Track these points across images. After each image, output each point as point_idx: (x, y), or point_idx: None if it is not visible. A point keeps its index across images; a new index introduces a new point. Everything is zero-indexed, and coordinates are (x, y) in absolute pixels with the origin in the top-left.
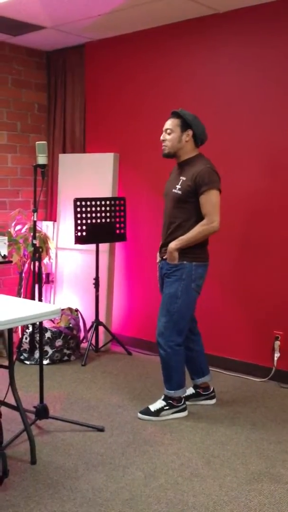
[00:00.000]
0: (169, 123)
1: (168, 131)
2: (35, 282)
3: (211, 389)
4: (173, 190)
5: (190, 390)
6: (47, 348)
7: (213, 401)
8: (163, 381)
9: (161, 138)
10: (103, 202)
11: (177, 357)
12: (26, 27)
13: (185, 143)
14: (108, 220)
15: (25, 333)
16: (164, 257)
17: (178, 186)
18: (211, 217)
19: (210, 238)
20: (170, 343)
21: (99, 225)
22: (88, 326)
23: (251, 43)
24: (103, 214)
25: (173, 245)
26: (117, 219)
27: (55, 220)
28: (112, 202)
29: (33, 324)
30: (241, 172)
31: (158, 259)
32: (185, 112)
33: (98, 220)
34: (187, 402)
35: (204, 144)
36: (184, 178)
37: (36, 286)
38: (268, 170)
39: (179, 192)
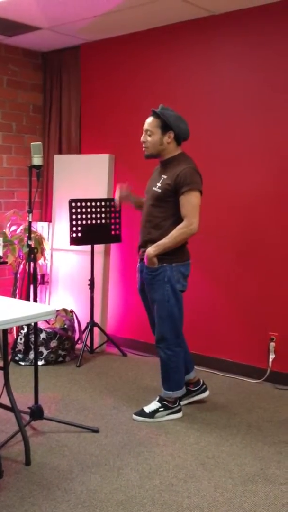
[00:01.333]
0: (149, 124)
1: (149, 132)
2: (30, 283)
3: (201, 382)
4: (153, 188)
5: None
6: (42, 349)
7: (206, 393)
8: (161, 383)
9: (142, 139)
10: (98, 203)
11: (176, 358)
12: (22, 27)
13: (167, 144)
14: (103, 221)
15: (20, 334)
16: (142, 259)
17: (159, 184)
18: (189, 219)
19: (207, 239)
20: (170, 346)
21: (94, 226)
22: (83, 327)
23: (247, 44)
24: (98, 215)
25: (151, 251)
26: (112, 220)
27: (50, 221)
28: (108, 203)
29: (28, 325)
30: (240, 173)
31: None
32: (166, 112)
33: (93, 221)
34: (181, 402)
35: (187, 141)
36: (165, 177)
37: (31, 287)
38: (268, 172)
39: (159, 190)
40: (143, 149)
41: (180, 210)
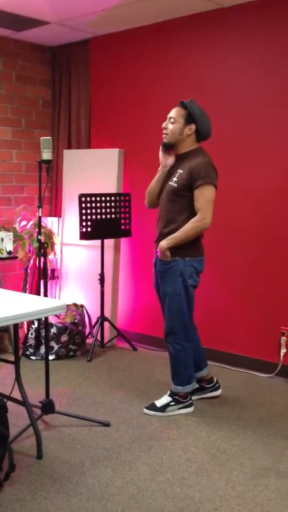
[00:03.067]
0: (174, 112)
1: (172, 120)
2: (40, 277)
3: (215, 381)
4: (170, 183)
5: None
6: (52, 343)
7: (218, 392)
8: (170, 377)
9: (163, 125)
10: (108, 198)
11: (185, 353)
12: (30, 22)
13: (186, 136)
14: (113, 216)
15: (30, 328)
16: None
17: (175, 179)
18: (203, 213)
19: (219, 235)
20: (179, 340)
21: (104, 221)
22: (93, 322)
23: (257, 37)
24: (108, 210)
25: (164, 243)
26: (122, 215)
27: (60, 216)
28: (117, 198)
29: (39, 320)
30: (252, 169)
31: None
32: (193, 104)
33: (103, 216)
34: (192, 397)
35: (206, 140)
36: (181, 171)
37: (42, 282)
38: (280, 168)
39: (175, 185)
40: (163, 135)
41: (195, 204)
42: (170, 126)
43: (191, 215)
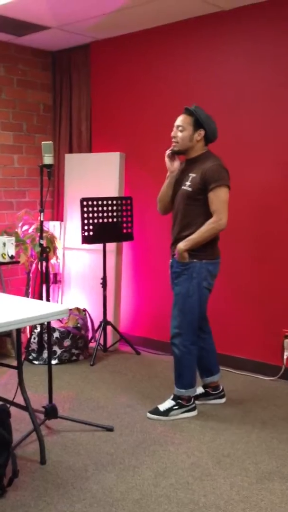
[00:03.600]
0: (181, 120)
1: (180, 128)
2: (42, 282)
3: (221, 388)
4: (183, 187)
5: (199, 390)
6: (55, 348)
7: (222, 400)
8: (174, 380)
9: (172, 134)
10: (109, 202)
11: (190, 356)
12: (31, 27)
13: (196, 142)
14: (115, 219)
15: (33, 333)
16: (174, 255)
17: (188, 183)
18: (218, 215)
19: (221, 235)
20: (185, 343)
21: (106, 225)
22: (96, 326)
23: (257, 40)
24: (110, 214)
25: (182, 245)
26: (124, 219)
27: (62, 220)
28: (119, 202)
29: (41, 324)
30: (253, 168)
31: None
32: (199, 110)
33: (105, 220)
34: (196, 402)
35: (214, 142)
36: (193, 175)
37: (44, 286)
38: (281, 166)
39: (189, 189)
40: (173, 144)
41: (209, 206)
42: (180, 135)
43: (207, 218)
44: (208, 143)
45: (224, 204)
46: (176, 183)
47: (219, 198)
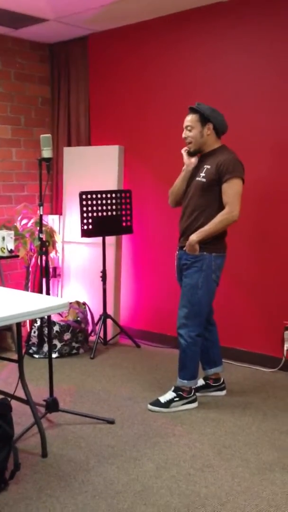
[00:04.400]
0: (188, 120)
1: (189, 128)
2: (42, 276)
3: (222, 380)
4: (197, 178)
5: (200, 382)
6: (55, 341)
7: (223, 393)
8: (177, 371)
9: (183, 135)
10: (109, 195)
11: (195, 347)
12: (28, 19)
13: (207, 136)
14: (114, 213)
15: (33, 327)
16: (183, 247)
17: (202, 174)
18: (231, 206)
19: None
20: (191, 333)
21: (105, 218)
22: (96, 319)
23: (255, 31)
24: (109, 207)
25: (194, 237)
26: (123, 212)
27: (60, 214)
28: (118, 195)
29: (41, 318)
30: (253, 161)
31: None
32: (201, 106)
33: (104, 213)
34: (197, 394)
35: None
36: (208, 167)
37: (44, 280)
38: (281, 158)
39: (203, 180)
40: (187, 145)
41: (223, 198)
42: (190, 134)
43: (219, 209)
44: (220, 135)
45: (237, 196)
46: (190, 176)
47: (232, 189)
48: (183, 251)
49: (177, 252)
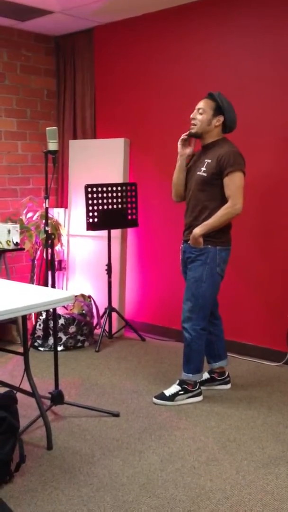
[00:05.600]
0: (203, 103)
1: (201, 110)
2: (48, 269)
3: (226, 374)
4: (198, 173)
5: (205, 375)
6: (60, 334)
7: (228, 386)
8: (182, 365)
9: (192, 116)
10: (114, 188)
11: (200, 341)
12: (34, 11)
13: (214, 127)
14: (119, 206)
15: (38, 320)
16: (187, 241)
17: (203, 168)
18: (234, 200)
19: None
20: (196, 327)
21: (111, 211)
22: (101, 312)
23: (264, 24)
24: (114, 200)
25: (198, 230)
26: (129, 205)
27: (66, 207)
28: (124, 188)
29: (47, 311)
30: (259, 154)
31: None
32: (222, 97)
33: (110, 206)
34: (202, 387)
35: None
36: (209, 161)
37: (49, 273)
38: (284, 153)
39: (204, 174)
40: (191, 125)
41: (225, 192)
42: (199, 117)
43: (222, 203)
44: (226, 131)
45: (239, 189)
46: (191, 170)
47: (234, 183)
48: (188, 244)
49: (181, 245)
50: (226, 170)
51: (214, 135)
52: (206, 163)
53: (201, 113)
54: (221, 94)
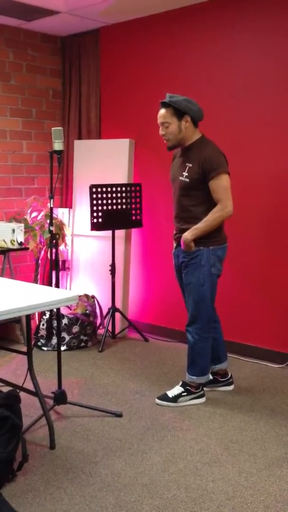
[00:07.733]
0: (163, 116)
1: (166, 124)
2: (52, 268)
3: (229, 375)
4: (180, 178)
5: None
6: (64, 334)
7: (231, 387)
8: (186, 367)
9: (160, 132)
10: (119, 189)
11: (205, 344)
12: (40, 12)
13: (186, 130)
14: (124, 206)
15: (42, 319)
16: (179, 245)
17: (185, 174)
18: (224, 203)
19: (230, 223)
20: (199, 330)
21: (115, 212)
22: (104, 313)
23: (269, 25)
24: (119, 201)
25: (188, 235)
26: (133, 205)
27: (70, 207)
28: (128, 188)
29: (50, 311)
30: (262, 155)
31: (174, 245)
32: (175, 98)
33: (114, 207)
34: (205, 388)
35: (202, 121)
36: (190, 165)
37: (53, 273)
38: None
39: (187, 180)
40: (165, 141)
41: (213, 196)
42: (168, 130)
43: (207, 206)
44: (198, 123)
45: (227, 191)
46: (174, 170)
47: (221, 186)
48: (180, 248)
49: (173, 250)
50: (210, 175)
51: (190, 136)
52: (187, 167)
53: (167, 127)
54: (172, 95)
